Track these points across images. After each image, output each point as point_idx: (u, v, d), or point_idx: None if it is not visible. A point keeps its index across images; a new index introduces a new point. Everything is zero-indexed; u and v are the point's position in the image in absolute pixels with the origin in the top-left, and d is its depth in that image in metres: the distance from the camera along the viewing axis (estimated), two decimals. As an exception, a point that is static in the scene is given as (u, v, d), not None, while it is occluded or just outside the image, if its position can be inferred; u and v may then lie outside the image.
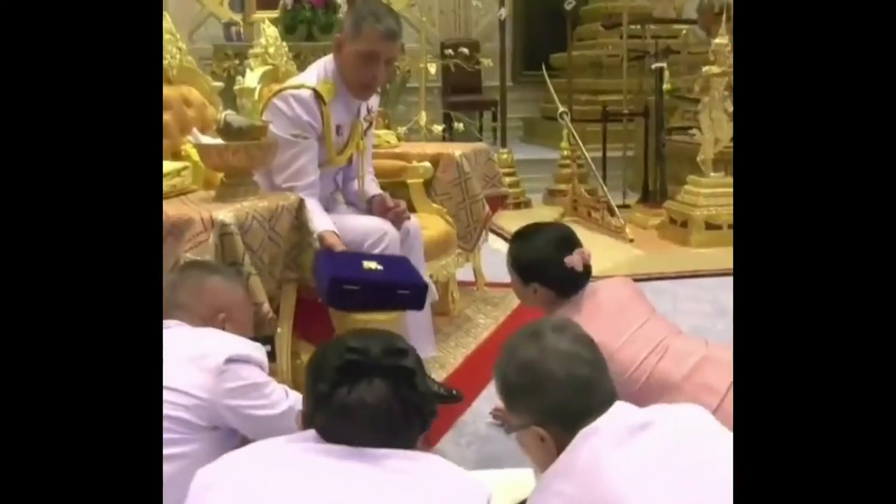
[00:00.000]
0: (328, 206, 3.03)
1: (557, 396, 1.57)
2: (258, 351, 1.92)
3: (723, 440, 1.54)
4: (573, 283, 2.40)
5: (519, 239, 2.51)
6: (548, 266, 2.40)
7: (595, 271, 2.64)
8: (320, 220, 2.73)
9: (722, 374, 2.20)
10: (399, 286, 2.49)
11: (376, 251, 2.80)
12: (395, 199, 3.10)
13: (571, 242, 2.44)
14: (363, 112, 3.05)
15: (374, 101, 3.15)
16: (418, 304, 2.51)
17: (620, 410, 1.59)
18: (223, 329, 2.00)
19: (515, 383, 1.64)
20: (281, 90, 2.87)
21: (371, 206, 3.05)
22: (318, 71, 2.92)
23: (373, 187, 3.13)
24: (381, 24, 2.81)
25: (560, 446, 1.56)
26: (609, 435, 1.52)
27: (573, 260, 2.38)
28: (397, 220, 2.97)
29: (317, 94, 2.81)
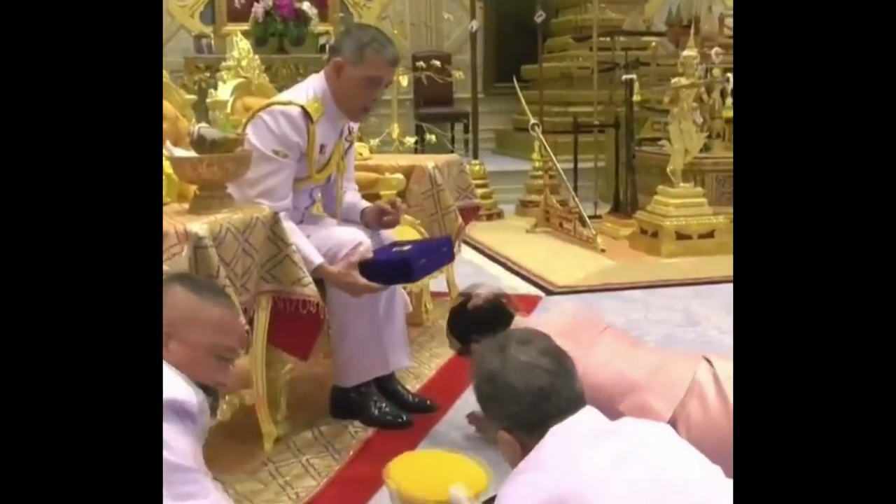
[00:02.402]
0: (303, 219, 3.04)
1: (517, 405, 1.68)
2: (191, 396, 1.62)
3: (689, 457, 1.62)
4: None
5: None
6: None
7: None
8: (312, 251, 2.78)
9: (684, 373, 2.25)
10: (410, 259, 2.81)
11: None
12: (390, 201, 3.17)
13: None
14: (345, 132, 3.07)
15: (355, 124, 3.17)
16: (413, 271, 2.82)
17: (590, 415, 1.68)
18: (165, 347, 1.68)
19: (483, 392, 1.75)
20: (269, 104, 2.87)
21: (364, 218, 3.09)
22: (307, 89, 2.92)
23: (362, 201, 3.19)
24: (386, 50, 2.86)
25: (524, 448, 1.66)
26: (578, 433, 1.62)
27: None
28: (395, 220, 3.07)
29: (305, 112, 2.83)
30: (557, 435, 1.62)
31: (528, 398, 1.67)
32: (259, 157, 2.75)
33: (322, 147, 2.92)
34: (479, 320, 2.59)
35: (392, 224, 3.09)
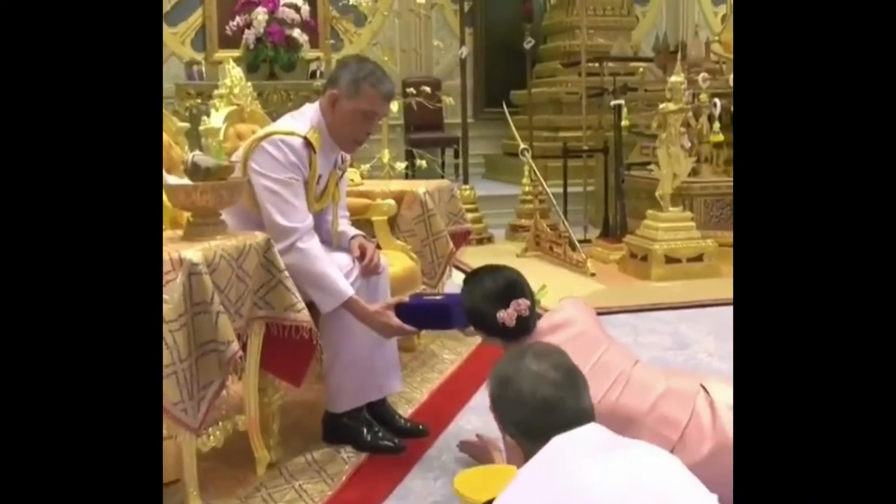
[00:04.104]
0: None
1: (522, 412, 1.76)
2: None
3: (689, 483, 1.64)
4: (511, 333, 2.45)
5: (465, 285, 2.60)
6: (484, 318, 2.48)
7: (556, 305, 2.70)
8: (344, 282, 2.80)
9: (682, 407, 2.26)
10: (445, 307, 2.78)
11: None
12: (370, 241, 3.14)
13: (510, 294, 2.46)
14: (338, 162, 3.09)
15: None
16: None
17: (595, 429, 1.73)
18: None
19: (494, 395, 1.84)
20: (270, 134, 2.88)
21: (349, 245, 3.08)
22: (303, 121, 2.94)
23: (352, 229, 3.18)
24: (382, 85, 2.89)
25: (527, 455, 1.72)
26: (579, 445, 1.67)
27: (505, 316, 2.43)
28: (365, 274, 2.99)
29: (307, 142, 2.85)
30: (558, 444, 1.68)
31: (531, 407, 1.75)
32: (273, 183, 2.79)
33: (319, 177, 2.95)
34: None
35: (376, 270, 3.04)
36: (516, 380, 1.78)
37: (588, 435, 1.70)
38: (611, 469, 1.60)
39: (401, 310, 2.79)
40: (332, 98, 2.91)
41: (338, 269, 2.83)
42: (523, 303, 2.45)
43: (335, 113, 2.91)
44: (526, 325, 2.46)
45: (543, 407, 1.74)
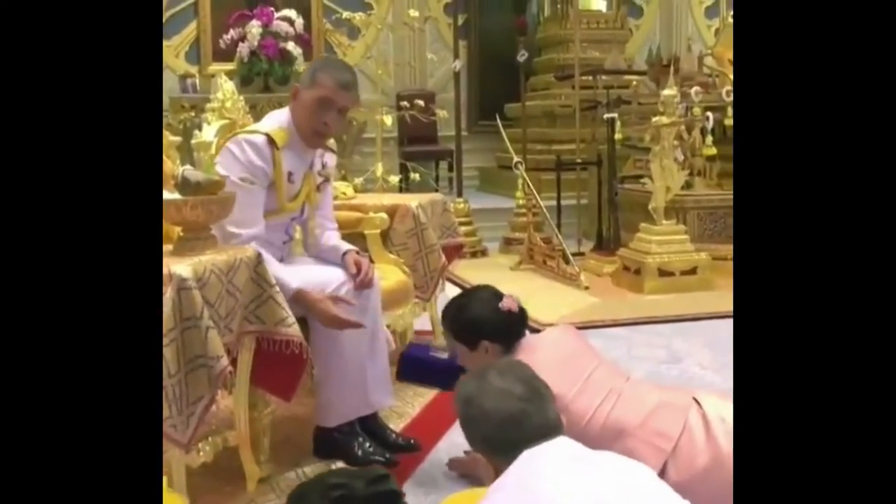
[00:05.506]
0: (283, 257, 3.04)
1: (487, 428, 1.77)
2: None
3: (663, 496, 1.64)
4: (515, 327, 2.55)
5: (452, 309, 2.67)
6: (489, 317, 2.54)
7: (551, 318, 2.72)
8: (288, 276, 2.79)
9: (675, 420, 2.25)
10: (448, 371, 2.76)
11: None
12: (364, 255, 3.13)
13: (499, 293, 2.62)
14: (317, 165, 3.09)
15: (330, 159, 3.19)
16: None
17: (563, 442, 1.73)
18: None
19: (460, 414, 1.84)
20: (234, 135, 2.94)
21: (343, 261, 3.06)
22: (273, 120, 2.99)
23: (343, 243, 3.16)
24: (337, 72, 2.93)
25: (497, 472, 1.72)
26: (548, 459, 1.66)
27: (506, 303, 2.56)
28: (358, 287, 2.98)
29: (270, 139, 2.86)
30: (525, 459, 1.67)
31: (499, 422, 1.74)
32: (230, 185, 2.77)
33: (290, 175, 2.95)
34: None
35: (370, 284, 3.03)
36: (480, 396, 1.78)
37: (557, 448, 1.70)
38: (581, 481, 1.59)
39: (404, 361, 2.79)
40: (293, 91, 3.00)
41: (279, 265, 2.82)
42: (513, 295, 2.60)
43: (297, 105, 2.97)
44: (522, 320, 2.57)
45: (509, 421, 1.74)
